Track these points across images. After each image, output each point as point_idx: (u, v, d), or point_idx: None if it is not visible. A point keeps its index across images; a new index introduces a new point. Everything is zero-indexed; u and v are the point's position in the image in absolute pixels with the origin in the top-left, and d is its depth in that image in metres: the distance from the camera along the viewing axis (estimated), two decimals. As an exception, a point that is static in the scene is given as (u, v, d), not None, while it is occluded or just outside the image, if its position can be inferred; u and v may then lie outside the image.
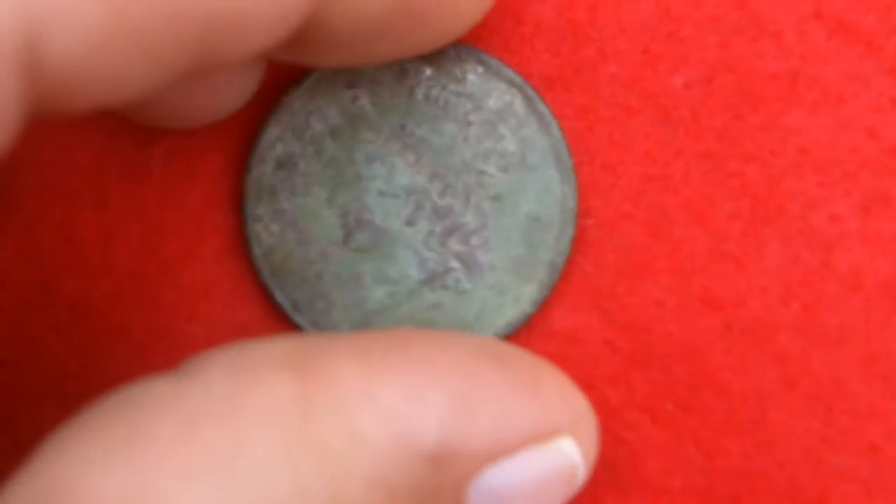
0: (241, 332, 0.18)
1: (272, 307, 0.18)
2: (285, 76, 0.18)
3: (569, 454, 0.15)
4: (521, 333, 0.17)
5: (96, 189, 0.18)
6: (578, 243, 0.17)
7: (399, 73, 0.17)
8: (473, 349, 0.15)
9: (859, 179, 0.17)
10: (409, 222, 0.17)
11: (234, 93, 0.17)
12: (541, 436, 0.15)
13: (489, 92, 0.17)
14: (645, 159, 0.17)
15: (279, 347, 0.14)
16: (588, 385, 0.17)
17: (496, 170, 0.17)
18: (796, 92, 0.17)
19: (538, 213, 0.17)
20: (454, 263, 0.17)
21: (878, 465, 0.17)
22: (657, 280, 0.17)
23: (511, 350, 0.16)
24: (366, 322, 0.17)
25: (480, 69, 0.17)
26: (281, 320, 0.18)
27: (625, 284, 0.17)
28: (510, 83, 0.17)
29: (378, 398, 0.14)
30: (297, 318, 0.17)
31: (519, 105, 0.17)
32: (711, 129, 0.17)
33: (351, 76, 0.17)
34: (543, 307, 0.17)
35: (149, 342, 0.18)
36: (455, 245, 0.17)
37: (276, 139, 0.17)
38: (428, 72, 0.17)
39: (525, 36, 0.18)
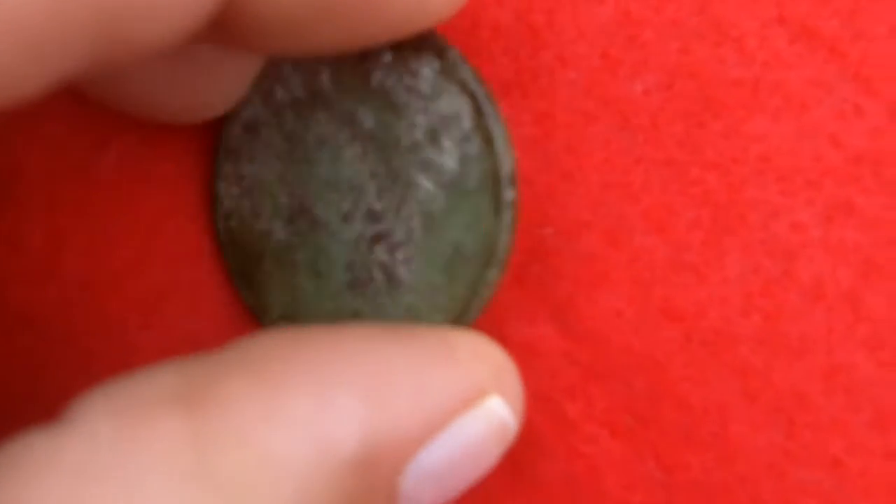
0: (192, 341, 0.17)
1: (225, 316, 0.17)
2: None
3: (498, 412, 0.15)
4: (479, 344, 0.17)
5: (46, 192, 0.17)
6: (536, 252, 0.17)
7: (360, 53, 0.16)
8: (376, 336, 0.14)
9: (822, 188, 0.17)
10: (346, 219, 0.16)
11: (231, 84, 0.16)
12: (467, 402, 0.14)
13: (440, 94, 0.16)
14: (604, 167, 0.17)
15: (163, 379, 0.13)
16: (545, 398, 0.17)
17: (432, 184, 0.16)
18: (758, 98, 0.17)
19: (462, 243, 0.16)
20: (377, 273, 0.16)
21: (840, 480, 0.16)
22: (616, 290, 0.17)
23: (412, 327, 0.15)
24: (295, 310, 0.17)
25: (437, 64, 0.16)
26: (234, 329, 0.17)
27: (583, 295, 0.17)
28: (463, 87, 0.16)
29: (283, 413, 0.13)
30: (239, 286, 0.17)
31: (467, 116, 0.16)
32: (672, 136, 0.17)
33: None
34: (499, 317, 0.17)
35: (99, 350, 0.17)
36: (381, 254, 0.16)
37: (246, 100, 0.17)
38: (387, 58, 0.16)
39: (482, 39, 0.17)
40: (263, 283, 0.17)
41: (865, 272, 0.16)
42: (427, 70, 0.16)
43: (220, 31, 0.14)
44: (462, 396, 0.14)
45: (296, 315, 0.17)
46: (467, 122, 0.16)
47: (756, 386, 0.16)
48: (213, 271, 0.17)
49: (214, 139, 0.17)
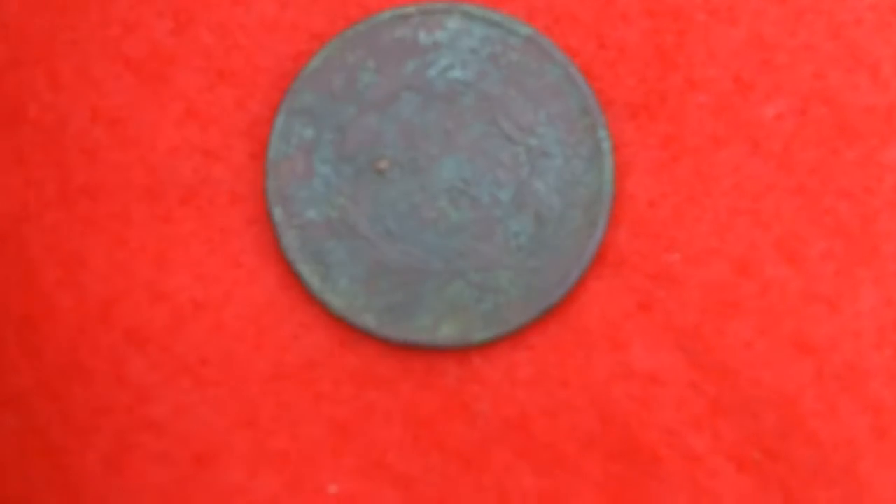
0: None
1: None
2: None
3: None
4: (597, 372, 0.16)
5: None
6: (662, 278, 0.17)
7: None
8: None
9: (957, 220, 0.16)
10: None
11: None
12: None
13: None
14: (733, 192, 0.17)
15: None
16: (670, 430, 0.16)
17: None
18: (892, 127, 0.16)
19: None
20: None
21: (973, 521, 0.16)
22: (746, 321, 0.16)
23: None
24: None
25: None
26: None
27: (711, 324, 0.16)
28: None
29: None
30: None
31: None
32: (804, 163, 0.17)
33: None
34: (623, 343, 0.16)
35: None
36: None
37: None
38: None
39: (608, 60, 0.17)
40: None
41: None
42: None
43: None
44: None
45: None
46: None
47: (886, 422, 0.16)
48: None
49: None
